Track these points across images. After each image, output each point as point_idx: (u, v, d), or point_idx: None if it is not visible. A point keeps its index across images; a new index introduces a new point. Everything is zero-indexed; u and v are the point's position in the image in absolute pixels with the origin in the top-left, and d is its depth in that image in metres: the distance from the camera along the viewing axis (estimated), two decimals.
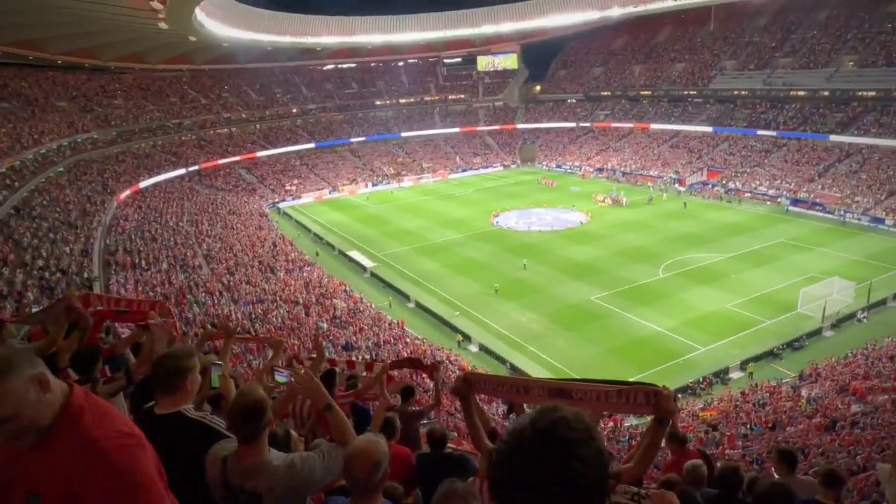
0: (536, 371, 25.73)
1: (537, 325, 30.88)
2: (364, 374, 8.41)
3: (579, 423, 1.16)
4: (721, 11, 74.65)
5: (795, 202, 50.03)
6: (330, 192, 67.20)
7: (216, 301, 28.02)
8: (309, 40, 75.69)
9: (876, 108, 55.05)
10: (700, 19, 77.82)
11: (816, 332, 28.48)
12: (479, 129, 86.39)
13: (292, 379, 3.49)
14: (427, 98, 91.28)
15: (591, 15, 76.62)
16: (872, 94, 55.59)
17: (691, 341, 28.15)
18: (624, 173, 66.43)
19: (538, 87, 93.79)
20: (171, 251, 35.22)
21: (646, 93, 77.21)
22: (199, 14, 47.38)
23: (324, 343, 24.66)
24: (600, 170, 69.41)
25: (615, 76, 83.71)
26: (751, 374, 25.38)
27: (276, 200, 63.41)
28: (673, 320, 30.21)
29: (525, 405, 3.66)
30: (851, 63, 59.80)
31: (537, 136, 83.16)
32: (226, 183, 64.42)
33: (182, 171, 61.55)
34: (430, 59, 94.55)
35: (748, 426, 18.28)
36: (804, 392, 21.42)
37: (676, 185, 59.92)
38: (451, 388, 3.23)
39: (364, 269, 41.28)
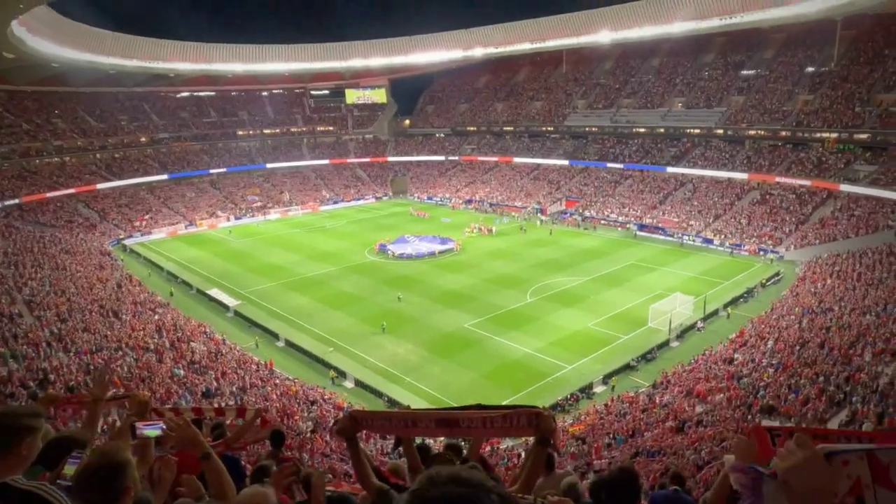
0: (415, 402, 25.47)
1: (414, 356, 30.75)
2: (230, 421, 7.64)
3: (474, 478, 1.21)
4: (572, 55, 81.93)
5: (642, 227, 55.22)
6: (186, 227, 62.77)
7: (42, 353, 24.39)
8: (160, 65, 70.81)
9: (701, 143, 62.96)
10: (554, 61, 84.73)
11: (665, 344, 31.25)
12: (349, 161, 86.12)
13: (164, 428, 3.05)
14: (294, 129, 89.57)
15: (455, 54, 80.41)
16: (698, 131, 63.62)
17: (559, 360, 29.56)
18: (491, 204, 69.42)
19: (408, 121, 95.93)
20: None
21: (508, 128, 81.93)
22: (18, 29, 42.50)
23: (180, 391, 22.59)
24: (469, 201, 71.99)
25: (480, 112, 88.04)
26: (613, 387, 27.07)
27: (122, 237, 57.92)
28: (541, 342, 31.60)
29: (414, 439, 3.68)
30: (680, 104, 68.11)
31: (408, 169, 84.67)
32: (56, 218, 57.37)
33: None
34: (297, 90, 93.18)
35: (611, 436, 19.40)
36: (657, 399, 23.28)
37: (539, 214, 63.70)
38: (336, 427, 3.09)
39: (226, 308, 38.63)
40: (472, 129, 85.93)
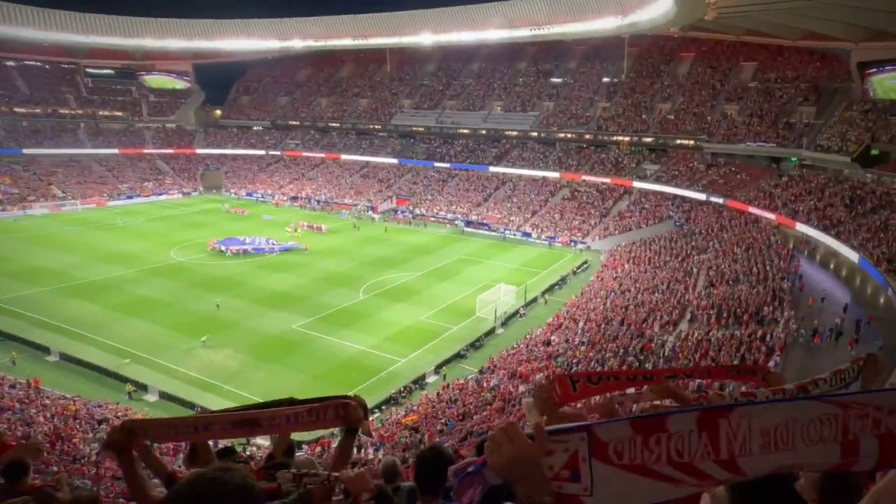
0: None
1: (233, 362, 28.32)
2: None
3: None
4: (396, 54, 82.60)
5: (468, 223, 57.61)
6: None
7: None
8: None
9: (518, 144, 67.52)
10: (378, 59, 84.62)
11: (491, 332, 32.74)
12: (146, 151, 77.22)
13: None
14: (64, 111, 76.53)
15: (271, 44, 76.51)
16: (515, 133, 68.15)
17: (392, 355, 29.35)
18: (319, 202, 67.39)
19: (219, 112, 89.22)
20: None
21: (334, 125, 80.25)
22: None
23: None
24: (294, 198, 69.14)
25: (303, 107, 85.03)
26: (444, 376, 27.59)
27: None
28: (374, 338, 31.16)
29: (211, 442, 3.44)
30: (499, 108, 72.34)
31: (222, 163, 78.77)
32: None
33: None
34: (65, 66, 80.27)
35: (443, 422, 19.55)
36: (485, 383, 24.08)
37: (370, 212, 63.28)
38: (104, 441, 2.80)
39: None
40: (294, 123, 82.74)
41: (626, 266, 40.16)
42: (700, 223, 45.68)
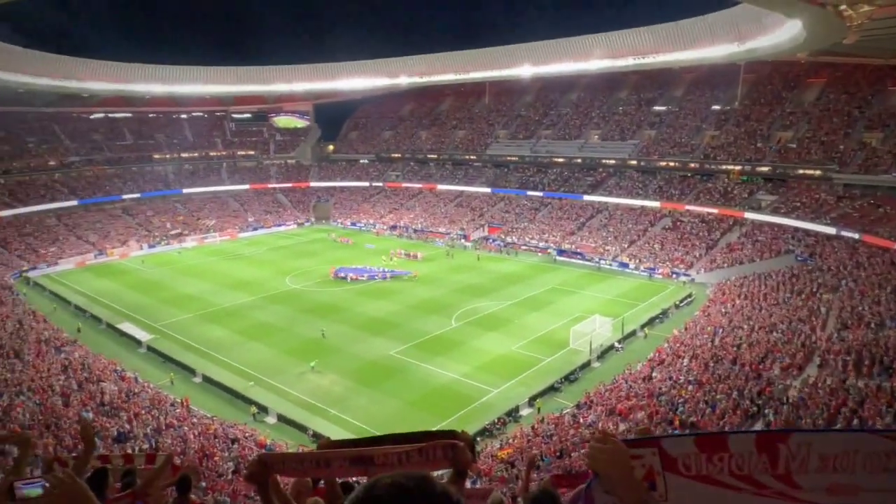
0: (341, 435, 24.52)
1: (338, 387, 29.85)
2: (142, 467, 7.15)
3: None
4: (495, 87, 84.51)
5: (561, 252, 57.01)
6: (96, 257, 58.84)
7: None
8: (74, 85, 66.50)
9: (615, 173, 66.25)
10: (477, 92, 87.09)
11: (586, 365, 32.10)
12: (270, 186, 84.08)
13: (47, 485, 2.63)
14: (213, 153, 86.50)
15: (381, 81, 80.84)
16: (613, 161, 66.98)
17: (485, 384, 29.62)
18: (415, 230, 69.56)
19: (331, 147, 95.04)
20: None
21: (432, 156, 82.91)
22: None
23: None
24: (393, 227, 71.80)
25: (404, 139, 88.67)
26: (538, 409, 27.37)
27: (25, 269, 53.41)
28: (467, 366, 31.62)
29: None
30: (596, 136, 71.56)
31: (331, 195, 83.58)
32: None
33: None
34: (218, 114, 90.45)
35: (539, 457, 19.44)
36: (581, 419, 23.65)
37: (463, 240, 64.41)
38: (245, 473, 2.86)
39: (139, 343, 36.24)
40: (396, 155, 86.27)
41: (738, 301, 37.79)
42: (829, 259, 41.48)
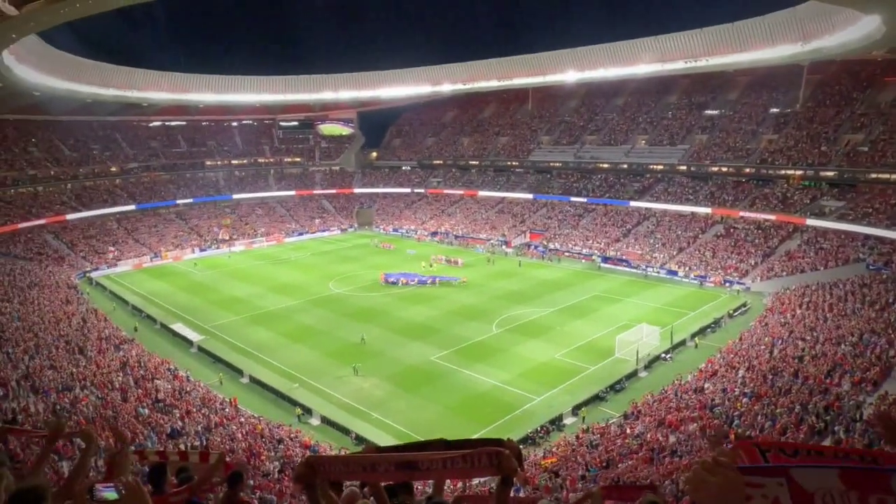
0: (382, 438, 24.49)
1: (379, 391, 29.85)
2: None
3: None
4: (538, 93, 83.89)
5: (606, 259, 55.78)
6: (152, 259, 61.18)
7: (11, 393, 22.92)
8: (136, 95, 69.74)
9: (664, 179, 64.52)
10: (520, 99, 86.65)
11: (633, 374, 31.12)
12: (315, 192, 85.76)
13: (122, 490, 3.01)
14: (261, 160, 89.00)
15: (424, 89, 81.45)
16: (661, 167, 65.26)
17: (526, 392, 29.07)
18: (456, 236, 69.42)
19: (374, 154, 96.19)
20: None
21: (474, 163, 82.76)
22: (7, 57, 41.37)
23: (146, 432, 21.31)
24: (434, 233, 71.86)
25: (446, 146, 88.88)
26: (583, 418, 26.66)
27: (89, 269, 56.11)
28: (508, 374, 31.12)
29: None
30: (643, 141, 69.97)
31: (374, 201, 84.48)
32: (27, 250, 55.88)
33: None
34: (266, 122, 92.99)
35: (585, 467, 18.81)
36: (628, 430, 22.81)
37: (503, 246, 63.83)
38: (293, 475, 2.98)
39: (190, 343, 37.31)
40: (438, 162, 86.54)
41: (799, 311, 35.77)
42: None
